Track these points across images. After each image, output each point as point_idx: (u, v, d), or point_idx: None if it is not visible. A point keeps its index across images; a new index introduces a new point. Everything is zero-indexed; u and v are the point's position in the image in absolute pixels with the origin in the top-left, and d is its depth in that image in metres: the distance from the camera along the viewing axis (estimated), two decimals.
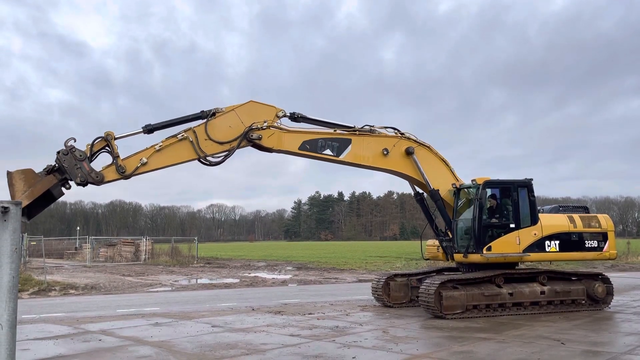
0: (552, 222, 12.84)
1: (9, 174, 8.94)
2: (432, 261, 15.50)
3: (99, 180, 9.67)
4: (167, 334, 9.86)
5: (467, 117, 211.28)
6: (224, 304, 14.73)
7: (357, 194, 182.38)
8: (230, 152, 11.14)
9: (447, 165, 13.32)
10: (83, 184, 9.52)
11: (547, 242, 12.56)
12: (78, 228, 71.57)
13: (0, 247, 5.18)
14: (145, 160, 10.32)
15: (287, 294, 17.50)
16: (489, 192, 12.65)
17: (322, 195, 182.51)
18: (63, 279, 23.30)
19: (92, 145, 9.81)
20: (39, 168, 9.16)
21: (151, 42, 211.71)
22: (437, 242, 13.86)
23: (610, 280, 13.27)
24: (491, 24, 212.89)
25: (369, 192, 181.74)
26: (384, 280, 13.93)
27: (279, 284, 21.80)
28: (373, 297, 14.25)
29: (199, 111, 11.19)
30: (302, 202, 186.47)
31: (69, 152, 9.35)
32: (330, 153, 12.25)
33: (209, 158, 10.93)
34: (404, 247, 67.95)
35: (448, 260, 13.34)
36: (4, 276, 5.25)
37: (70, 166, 9.31)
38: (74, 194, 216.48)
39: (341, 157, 12.32)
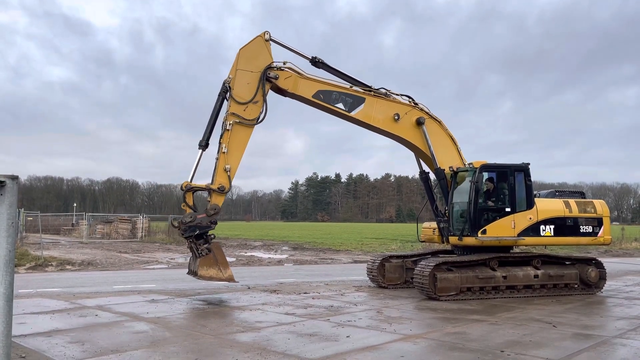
0: (547, 206, 12.89)
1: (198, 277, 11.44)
2: (428, 243, 15.57)
3: (218, 210, 11.47)
4: (163, 311, 9.94)
5: (464, 102, 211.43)
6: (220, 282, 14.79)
7: (354, 175, 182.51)
8: (264, 103, 11.85)
9: (455, 144, 13.36)
10: (215, 223, 11.41)
11: (542, 227, 12.63)
12: (75, 204, 71.52)
13: None
14: (228, 166, 11.52)
15: (282, 274, 17.62)
16: (485, 175, 12.67)
17: (319, 177, 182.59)
18: (60, 254, 23.37)
19: (186, 202, 11.49)
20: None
21: (154, 23, 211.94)
22: (432, 225, 13.92)
23: (604, 265, 13.39)
24: (489, 12, 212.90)
25: (366, 174, 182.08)
26: (379, 261, 14.02)
27: (275, 264, 21.93)
28: (368, 278, 14.36)
29: (215, 91, 11.91)
30: (300, 183, 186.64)
31: (189, 232, 11.16)
32: (343, 107, 12.48)
33: (257, 120, 11.87)
34: (399, 229, 68.26)
35: (443, 242, 13.42)
36: (1, 250, 5.26)
37: (202, 226, 11.24)
38: (70, 170, 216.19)
39: (352, 114, 12.55)
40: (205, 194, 12.02)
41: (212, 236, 11.56)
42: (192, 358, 6.51)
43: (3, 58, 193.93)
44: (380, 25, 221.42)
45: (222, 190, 11.51)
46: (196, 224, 11.17)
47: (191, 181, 11.46)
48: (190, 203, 11.49)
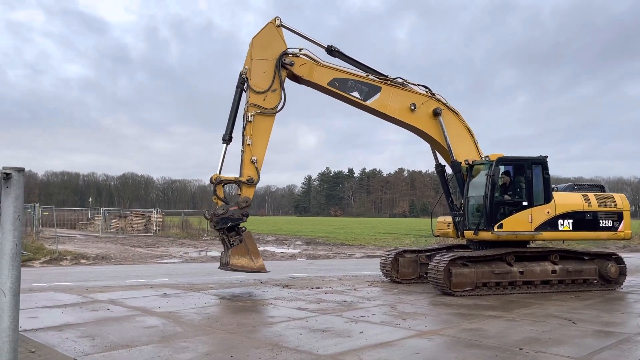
0: (566, 200, 12.58)
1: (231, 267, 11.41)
2: (442, 238, 15.35)
3: (249, 203, 11.49)
4: (174, 305, 9.87)
5: (478, 96, 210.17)
6: (233, 276, 14.70)
7: (367, 170, 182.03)
8: (282, 90, 11.79)
9: (472, 136, 13.12)
10: (246, 215, 11.42)
11: (560, 221, 12.33)
12: (90, 199, 72.23)
13: (2, 215, 5.09)
14: (255, 158, 11.51)
15: (295, 268, 17.51)
16: (502, 168, 12.39)
17: (332, 172, 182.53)
18: (74, 248, 23.54)
19: (217, 194, 11.43)
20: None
21: (169, 20, 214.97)
22: (447, 219, 13.69)
23: (624, 260, 13.05)
24: (504, 5, 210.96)
25: (379, 169, 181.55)
26: (392, 256, 13.83)
27: (288, 258, 21.84)
28: (381, 273, 14.18)
29: (229, 86, 12.00)
30: (313, 178, 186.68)
31: (222, 224, 11.21)
32: (358, 96, 12.37)
33: (277, 108, 11.82)
34: (413, 224, 67.88)
35: (458, 237, 13.19)
36: (7, 244, 5.14)
37: (234, 219, 11.28)
38: (86, 166, 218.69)
39: (368, 103, 12.43)
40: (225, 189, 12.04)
41: (244, 228, 11.60)
42: (202, 353, 6.40)
43: (21, 56, 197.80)
44: (393, 19, 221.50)
45: (251, 182, 11.52)
46: (228, 216, 11.22)
47: (220, 174, 11.46)
48: (221, 195, 11.49)
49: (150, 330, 7.65)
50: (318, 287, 12.61)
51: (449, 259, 11.51)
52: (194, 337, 7.30)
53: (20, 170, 5.21)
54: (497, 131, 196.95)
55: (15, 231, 5.07)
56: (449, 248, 13.90)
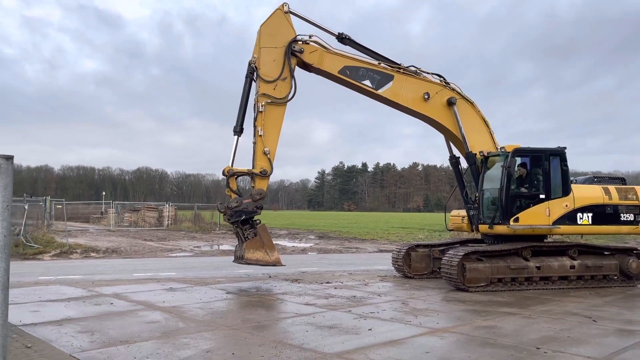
0: (585, 193, 12.12)
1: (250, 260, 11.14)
2: (456, 232, 14.95)
3: (263, 195, 11.23)
4: (179, 300, 9.64)
5: (494, 90, 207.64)
6: (241, 270, 14.45)
7: (381, 165, 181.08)
8: (292, 79, 11.49)
9: (488, 126, 12.70)
10: (260, 207, 11.16)
11: (579, 215, 11.88)
12: (104, 193, 72.79)
13: None
14: (267, 149, 11.27)
15: (305, 262, 17.24)
16: (518, 160, 11.96)
17: (345, 166, 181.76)
18: (86, 242, 23.54)
19: (230, 187, 11.20)
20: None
21: (184, 15, 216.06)
22: (461, 213, 13.30)
23: None
24: None
25: (393, 164, 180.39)
26: (405, 250, 13.47)
27: (299, 252, 21.59)
28: (393, 268, 13.83)
29: (243, 81, 11.50)
30: (326, 172, 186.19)
31: (236, 217, 10.95)
32: (370, 85, 12.04)
33: (288, 97, 11.53)
34: (427, 218, 67.24)
35: (473, 231, 12.80)
36: None
37: (248, 212, 11.01)
38: (102, 160, 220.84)
39: (379, 92, 12.09)
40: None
41: (258, 221, 11.36)
42: (203, 350, 6.14)
43: (38, 51, 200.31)
44: (407, 13, 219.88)
45: (264, 174, 11.26)
46: (242, 209, 10.98)
47: (232, 166, 11.21)
48: (234, 188, 11.27)
49: (151, 326, 7.42)
50: (328, 282, 12.32)
51: (463, 253, 11.13)
52: (196, 333, 7.05)
53: (9, 158, 4.94)
54: (513, 125, 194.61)
55: (4, 221, 4.80)
56: (463, 242, 13.50)
